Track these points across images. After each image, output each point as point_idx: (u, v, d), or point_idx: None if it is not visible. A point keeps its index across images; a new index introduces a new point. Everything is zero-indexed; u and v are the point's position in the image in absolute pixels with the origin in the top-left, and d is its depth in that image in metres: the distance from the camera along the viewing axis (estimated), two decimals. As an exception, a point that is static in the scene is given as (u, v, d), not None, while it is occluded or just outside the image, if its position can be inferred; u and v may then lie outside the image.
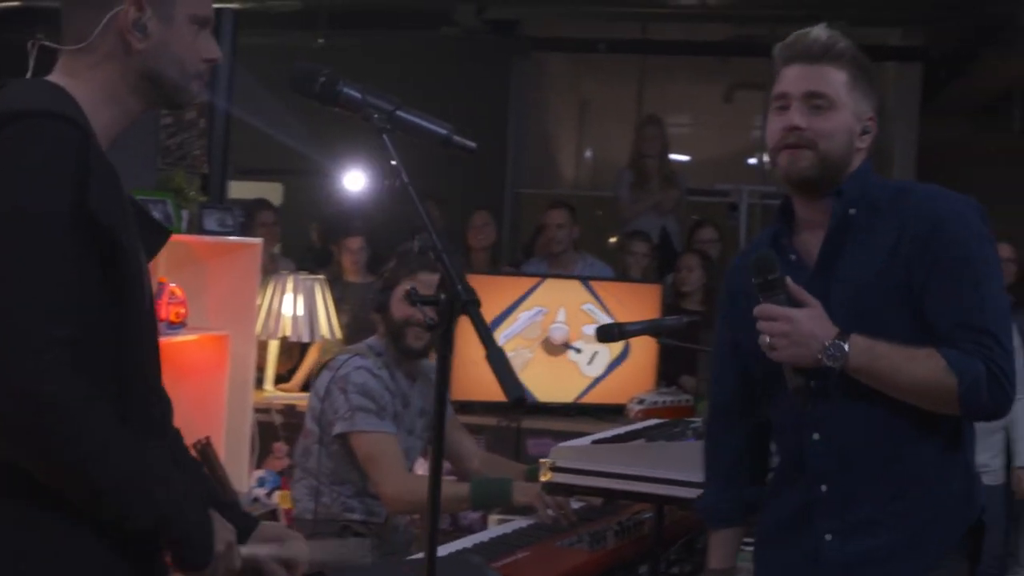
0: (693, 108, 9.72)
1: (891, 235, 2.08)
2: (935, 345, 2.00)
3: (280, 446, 4.90)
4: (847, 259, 2.11)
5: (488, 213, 6.56)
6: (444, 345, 1.67)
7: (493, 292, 4.93)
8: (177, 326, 4.18)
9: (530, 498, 3.10)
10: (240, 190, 6.92)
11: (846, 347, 1.99)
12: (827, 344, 1.99)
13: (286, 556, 1.90)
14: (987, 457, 4.90)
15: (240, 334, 4.48)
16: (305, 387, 5.63)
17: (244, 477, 4.46)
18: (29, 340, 1.51)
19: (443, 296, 1.66)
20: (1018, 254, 5.48)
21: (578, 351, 5.09)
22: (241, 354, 4.50)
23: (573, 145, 10.08)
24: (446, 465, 3.70)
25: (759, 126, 9.70)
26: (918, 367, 2.00)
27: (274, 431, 4.99)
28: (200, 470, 2.00)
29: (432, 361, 3.66)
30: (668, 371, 5.28)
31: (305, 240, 7.50)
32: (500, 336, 4.87)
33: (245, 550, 1.82)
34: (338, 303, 5.60)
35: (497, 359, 1.57)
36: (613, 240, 7.95)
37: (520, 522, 3.10)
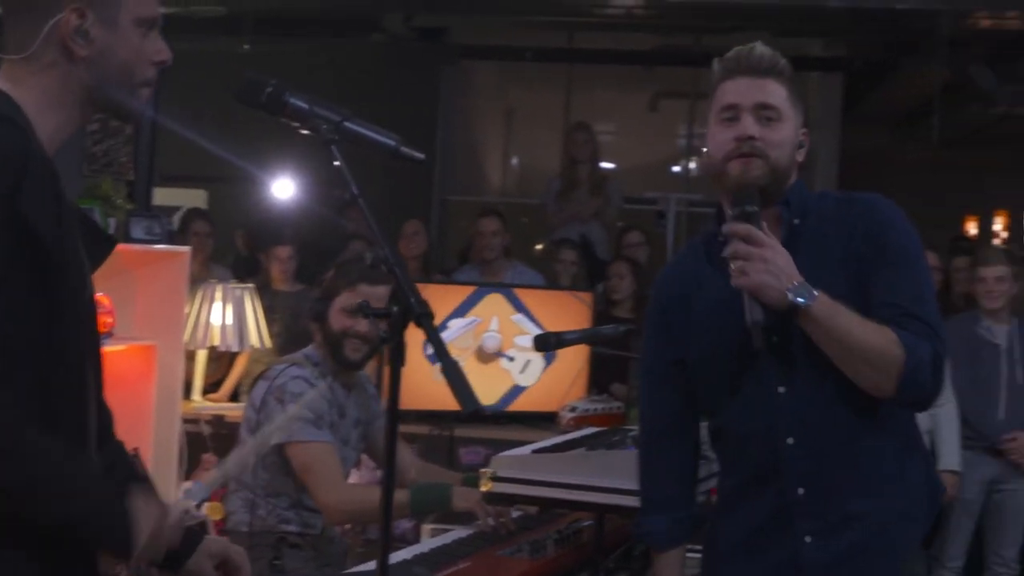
0: (619, 116, 9.80)
1: (842, 239, 2.13)
2: None
3: (209, 457, 4.82)
4: (800, 267, 2.11)
5: (419, 222, 6.53)
6: (396, 358, 1.66)
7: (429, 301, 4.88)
8: (104, 336, 4.11)
9: (470, 504, 3.08)
10: (164, 196, 6.81)
11: (816, 292, 2.00)
12: (796, 283, 2.01)
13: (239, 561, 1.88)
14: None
15: (168, 344, 4.40)
16: (234, 397, 5.57)
17: (172, 489, 4.39)
18: None
19: (395, 308, 1.65)
20: (940, 262, 5.60)
21: (511, 359, 5.09)
22: (169, 364, 4.41)
23: (500, 152, 10.11)
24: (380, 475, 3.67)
25: (684, 135, 9.81)
26: (871, 333, 2.02)
27: (203, 442, 4.92)
28: (147, 480, 1.96)
29: (368, 372, 3.65)
30: (600, 379, 5.29)
31: (231, 248, 7.41)
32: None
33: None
34: (268, 312, 5.54)
35: (452, 371, 1.57)
36: (539, 247, 7.98)
37: (459, 532, 3.09)
